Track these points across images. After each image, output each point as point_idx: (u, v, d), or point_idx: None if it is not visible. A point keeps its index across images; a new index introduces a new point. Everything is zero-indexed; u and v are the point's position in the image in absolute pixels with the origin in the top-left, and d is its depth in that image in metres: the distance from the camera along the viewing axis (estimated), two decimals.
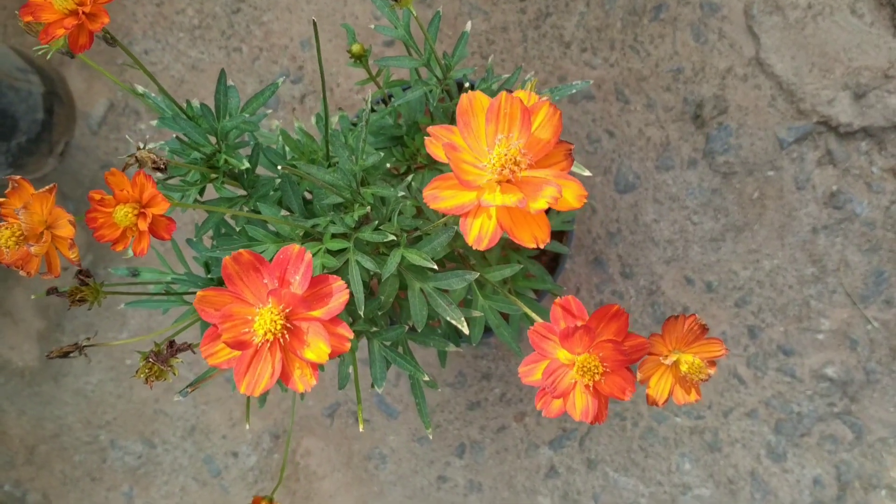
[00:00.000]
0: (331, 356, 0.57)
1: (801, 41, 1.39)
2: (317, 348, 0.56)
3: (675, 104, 1.43)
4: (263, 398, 0.95)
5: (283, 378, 0.58)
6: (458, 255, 0.89)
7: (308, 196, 0.83)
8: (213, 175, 0.73)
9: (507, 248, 1.03)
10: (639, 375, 0.77)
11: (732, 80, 1.42)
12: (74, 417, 1.74)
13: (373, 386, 0.80)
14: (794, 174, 1.41)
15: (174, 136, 0.80)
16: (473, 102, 0.56)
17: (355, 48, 0.87)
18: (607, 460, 1.51)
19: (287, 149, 0.84)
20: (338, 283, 0.58)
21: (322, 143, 0.81)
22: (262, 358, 0.57)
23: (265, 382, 0.57)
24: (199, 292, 0.57)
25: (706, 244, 1.45)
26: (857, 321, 1.43)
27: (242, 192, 0.79)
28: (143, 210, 0.61)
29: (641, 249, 1.46)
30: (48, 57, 0.68)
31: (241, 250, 0.56)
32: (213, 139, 0.75)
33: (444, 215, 0.77)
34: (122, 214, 0.60)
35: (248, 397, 0.87)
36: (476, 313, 0.83)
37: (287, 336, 0.56)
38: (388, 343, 0.77)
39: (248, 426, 0.78)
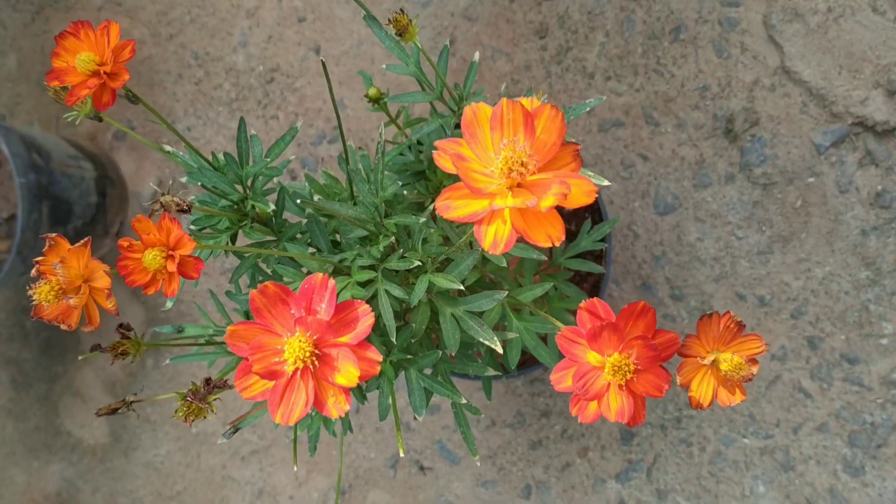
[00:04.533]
0: (361, 379, 0.58)
1: (826, 45, 1.38)
2: (346, 372, 0.57)
3: (705, 121, 1.43)
4: (314, 446, 0.96)
5: (318, 406, 0.59)
6: (490, 282, 0.90)
7: (338, 238, 0.85)
8: (243, 222, 0.76)
9: (541, 273, 1.04)
10: (679, 380, 0.76)
11: (760, 92, 1.41)
12: (146, 490, 1.77)
13: (415, 418, 0.80)
14: (836, 178, 1.39)
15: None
16: (478, 113, 0.57)
17: (372, 92, 0.89)
18: (677, 489, 1.47)
19: (313, 192, 0.86)
20: (363, 308, 0.59)
21: (347, 183, 0.84)
22: (294, 387, 0.58)
23: (299, 411, 0.58)
24: (230, 327, 0.58)
25: (754, 258, 1.42)
26: None
27: (273, 237, 0.81)
28: (170, 252, 0.63)
29: (688, 270, 1.44)
30: (77, 122, 0.72)
31: (267, 283, 0.57)
32: (240, 187, 0.78)
33: (463, 232, 0.78)
34: (151, 258, 0.63)
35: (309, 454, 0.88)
36: (511, 335, 0.83)
37: (317, 363, 0.57)
38: (424, 371, 0.78)
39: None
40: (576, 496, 1.51)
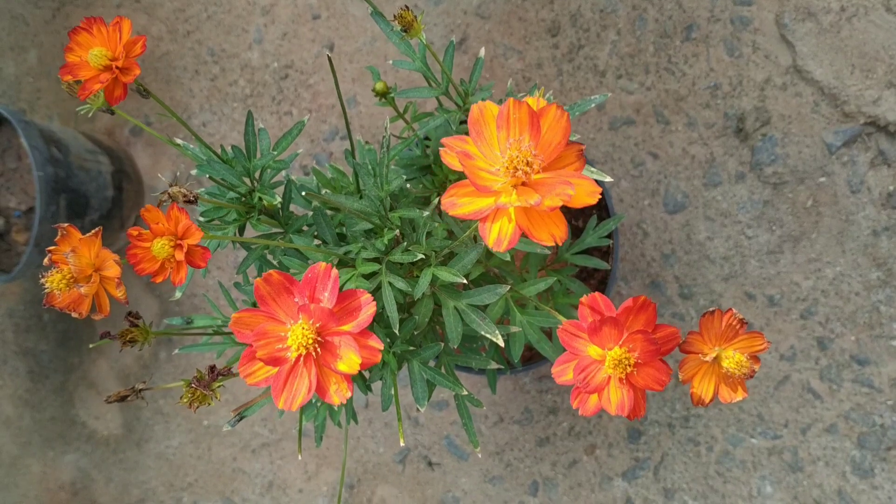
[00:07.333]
0: (363, 367, 0.59)
1: (838, 44, 1.38)
2: (348, 359, 0.58)
3: (716, 120, 1.43)
4: (320, 436, 0.97)
5: (320, 392, 0.60)
6: (494, 276, 0.90)
7: (344, 231, 0.86)
8: (250, 214, 0.77)
9: (546, 269, 1.04)
10: (681, 376, 0.77)
11: (772, 91, 1.41)
12: (158, 481, 1.79)
13: (418, 410, 0.81)
14: (847, 178, 1.38)
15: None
16: (484, 112, 0.58)
17: (378, 86, 0.91)
18: (685, 488, 1.47)
19: (321, 185, 0.88)
20: (365, 297, 0.60)
21: (353, 177, 0.85)
22: (297, 374, 0.59)
23: (302, 397, 0.59)
24: (234, 314, 0.59)
25: (764, 257, 1.42)
26: None
27: (280, 229, 0.82)
28: (179, 242, 0.65)
29: (698, 269, 1.44)
30: (90, 115, 0.74)
31: (271, 271, 0.59)
32: (247, 180, 0.79)
33: (467, 226, 0.79)
34: (160, 246, 0.64)
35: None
36: (514, 329, 0.83)
37: (319, 350, 0.59)
38: (425, 362, 0.79)
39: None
40: (582, 493, 1.51)
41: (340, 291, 0.59)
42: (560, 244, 0.56)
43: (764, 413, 1.43)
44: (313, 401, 0.95)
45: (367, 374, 0.84)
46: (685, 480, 1.46)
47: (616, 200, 1.46)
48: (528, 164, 0.55)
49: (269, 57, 1.68)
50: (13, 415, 1.90)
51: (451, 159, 0.56)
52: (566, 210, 1.32)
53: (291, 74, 1.67)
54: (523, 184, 0.55)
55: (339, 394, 0.60)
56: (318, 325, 0.58)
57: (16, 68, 1.86)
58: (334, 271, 0.59)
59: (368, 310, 0.60)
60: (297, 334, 0.57)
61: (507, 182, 0.55)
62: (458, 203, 0.55)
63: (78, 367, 1.85)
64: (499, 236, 0.55)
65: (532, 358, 1.30)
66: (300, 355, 0.58)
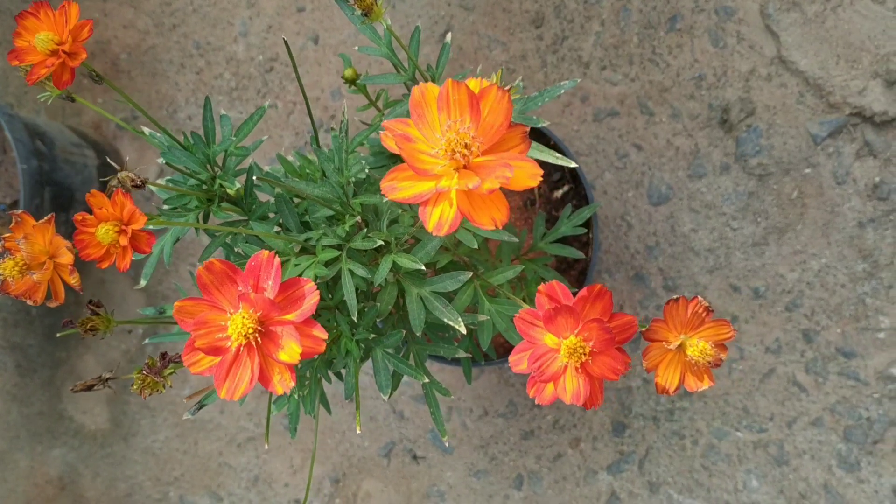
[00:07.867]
0: (305, 357, 0.58)
1: (823, 34, 1.37)
2: (289, 349, 0.57)
3: (700, 111, 1.42)
4: (294, 427, 0.97)
5: (263, 382, 0.59)
6: (464, 265, 0.90)
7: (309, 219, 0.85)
8: (211, 201, 0.76)
9: (521, 258, 1.03)
10: (645, 364, 0.76)
11: (757, 81, 1.40)
12: (145, 476, 1.79)
13: (384, 399, 0.80)
14: (833, 169, 1.37)
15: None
16: (425, 93, 0.57)
17: (347, 73, 0.90)
18: (670, 482, 1.46)
19: (288, 173, 0.87)
20: (309, 286, 0.59)
21: (320, 164, 0.84)
22: (241, 363, 0.59)
23: (244, 386, 0.58)
24: (176, 303, 0.59)
25: (749, 249, 1.41)
26: None
27: (243, 217, 0.82)
28: (123, 227, 0.64)
29: (682, 261, 1.43)
30: (48, 102, 0.73)
31: (213, 259, 0.58)
32: (210, 168, 0.78)
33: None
34: (104, 232, 0.63)
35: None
36: (482, 317, 0.83)
37: (261, 340, 0.58)
38: (390, 350, 0.78)
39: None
40: (567, 487, 1.50)
41: (287, 279, 0.58)
42: (500, 227, 0.55)
43: (749, 406, 1.42)
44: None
45: (333, 363, 0.83)
46: (670, 474, 1.45)
47: (600, 192, 1.45)
48: (466, 146, 0.54)
49: (255, 50, 1.67)
50: (1, 409, 1.89)
51: (389, 142, 0.55)
52: (546, 200, 1.31)
53: (276, 67, 1.66)
54: (465, 167, 0.54)
55: (282, 383, 0.59)
56: (259, 314, 0.57)
57: (3, 62, 1.86)
58: (277, 259, 0.58)
59: (312, 298, 0.59)
60: (237, 324, 0.57)
61: (447, 165, 0.54)
62: (397, 187, 0.54)
63: (66, 362, 1.85)
64: (439, 221, 0.54)
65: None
66: (241, 345, 0.57)
